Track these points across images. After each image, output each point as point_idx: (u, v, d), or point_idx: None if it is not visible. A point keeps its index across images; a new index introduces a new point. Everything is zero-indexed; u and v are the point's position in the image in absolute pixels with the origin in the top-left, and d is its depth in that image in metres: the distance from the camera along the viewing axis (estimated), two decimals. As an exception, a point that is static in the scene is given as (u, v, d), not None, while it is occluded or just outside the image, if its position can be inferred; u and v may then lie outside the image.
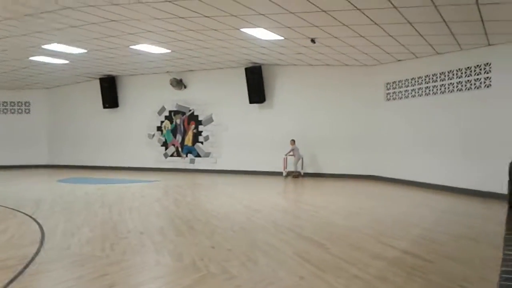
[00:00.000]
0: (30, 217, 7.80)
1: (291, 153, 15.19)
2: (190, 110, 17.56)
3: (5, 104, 19.96)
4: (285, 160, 15.32)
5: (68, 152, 19.76)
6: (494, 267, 4.35)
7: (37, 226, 6.99)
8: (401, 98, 13.49)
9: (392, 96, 13.84)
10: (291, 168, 15.25)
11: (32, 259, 5.11)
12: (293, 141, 15.19)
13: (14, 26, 9.99)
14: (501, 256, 4.50)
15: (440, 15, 8.31)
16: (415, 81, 12.95)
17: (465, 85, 11.32)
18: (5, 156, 19.49)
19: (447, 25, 9.02)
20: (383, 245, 5.89)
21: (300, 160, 15.24)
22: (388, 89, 13.99)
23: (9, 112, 20.03)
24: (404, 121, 13.32)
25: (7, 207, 8.81)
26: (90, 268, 4.79)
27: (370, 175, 14.41)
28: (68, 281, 4.41)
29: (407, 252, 5.50)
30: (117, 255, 5.35)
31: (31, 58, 13.78)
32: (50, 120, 20.32)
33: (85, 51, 12.97)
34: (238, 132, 16.52)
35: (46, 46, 12.18)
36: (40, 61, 14.31)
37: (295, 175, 15.10)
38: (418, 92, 12.86)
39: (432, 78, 12.33)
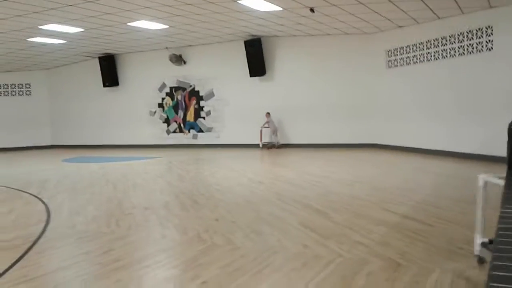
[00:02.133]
0: (36, 197, 7.88)
1: (266, 125, 15.72)
2: (190, 86, 17.49)
3: (5, 86, 19.95)
4: (261, 132, 15.80)
5: (71, 132, 19.83)
6: (494, 227, 4.37)
7: (43, 206, 7.07)
8: (402, 65, 13.37)
9: (394, 63, 13.71)
10: (266, 139, 15.87)
11: (39, 237, 5.19)
12: (268, 114, 15.70)
13: (9, 8, 9.89)
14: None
15: (440, -23, 8.16)
16: (416, 47, 12.80)
17: (467, 49, 11.19)
18: (8, 138, 19.61)
19: (447, -12, 8.86)
20: (385, 211, 5.94)
21: (276, 131, 15.78)
22: (389, 56, 13.85)
23: (10, 94, 20.03)
24: (406, 88, 13.24)
25: (12, 188, 8.91)
26: (96, 244, 4.86)
27: (372, 144, 14.42)
28: (75, 257, 4.48)
29: (408, 217, 5.54)
30: (122, 230, 5.42)
31: (29, 39, 13.69)
32: (51, 100, 20.32)
33: (82, 29, 12.85)
34: (240, 106, 16.48)
35: (43, 27, 12.08)
36: (37, 42, 14.21)
37: (270, 146, 15.83)
38: (419, 58, 12.73)
39: (434, 44, 12.18)
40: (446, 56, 11.81)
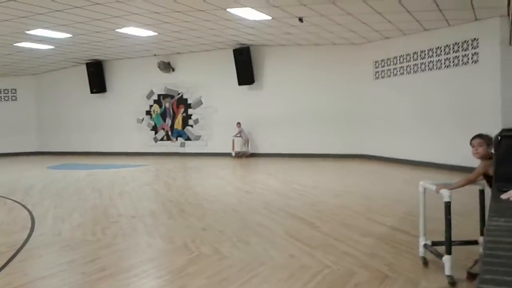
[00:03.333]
0: (20, 204, 7.77)
1: (238, 135, 15.98)
2: (179, 94, 17.45)
3: (-9, 91, 19.69)
4: (233, 142, 16.04)
5: (57, 139, 19.61)
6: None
7: (27, 213, 6.97)
8: (389, 76, 13.50)
9: (381, 74, 13.84)
10: (238, 148, 16.10)
11: (23, 245, 5.11)
12: (239, 124, 16.00)
13: (-5, 11, 9.80)
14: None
15: (427, -9, 8.28)
16: (403, 59, 12.95)
17: (453, 61, 11.35)
18: (-7, 144, 19.32)
19: (434, 0, 8.99)
20: (373, 222, 5.96)
21: (247, 141, 16.09)
22: (376, 67, 13.98)
23: (-5, 99, 19.77)
24: (393, 99, 13.36)
25: (-4, 195, 8.76)
26: (82, 252, 4.80)
27: (360, 154, 14.49)
28: (60, 265, 4.42)
29: (396, 229, 5.57)
30: (108, 239, 5.36)
31: (15, 44, 13.55)
32: (38, 106, 20.09)
33: (70, 35, 12.76)
34: (228, 115, 16.47)
35: (30, 32, 11.97)
36: (24, 47, 14.07)
37: (240, 155, 15.99)
38: (406, 69, 12.88)
39: (420, 55, 12.34)
40: (433, 68, 11.96)
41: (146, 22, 11.52)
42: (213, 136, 16.89)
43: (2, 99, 19.85)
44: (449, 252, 3.66)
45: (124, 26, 11.91)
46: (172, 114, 17.65)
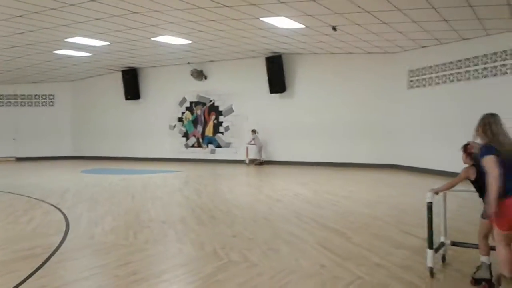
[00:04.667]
0: (55, 207, 7.97)
1: (252, 142, 16.10)
2: (210, 101, 17.61)
3: (29, 97, 20.36)
4: (247, 149, 16.11)
5: (91, 143, 20.07)
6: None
7: (62, 216, 7.13)
8: (424, 85, 13.25)
9: (415, 83, 13.60)
10: (252, 156, 16.20)
11: (58, 247, 5.23)
12: (253, 131, 16.04)
13: (38, 20, 10.14)
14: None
15: (465, -1, 8.11)
16: (439, 68, 12.69)
17: (491, 71, 11.04)
18: (30, 148, 19.95)
19: (472, 9, 8.79)
20: (405, 233, 5.83)
21: (261, 148, 16.14)
22: (411, 76, 13.75)
23: (33, 105, 20.43)
24: (427, 108, 13.08)
25: (33, 198, 9.02)
26: (114, 256, 4.87)
27: (391, 164, 14.24)
28: (93, 268, 4.49)
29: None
30: (140, 243, 5.43)
31: (55, 51, 13.99)
32: (73, 112, 20.65)
33: (108, 43, 13.09)
34: (259, 122, 16.50)
35: (69, 40, 12.34)
36: (63, 54, 14.52)
37: (257, 162, 15.99)
38: (442, 79, 12.61)
39: (457, 65, 12.06)
40: (470, 78, 11.67)
41: (181, 30, 11.70)
42: (243, 143, 16.92)
43: (40, 104, 20.49)
44: (431, 246, 4.17)
45: (159, 34, 12.14)
46: (204, 121, 17.81)
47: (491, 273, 3.82)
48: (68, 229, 6.20)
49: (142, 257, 4.87)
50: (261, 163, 16.05)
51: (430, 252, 4.16)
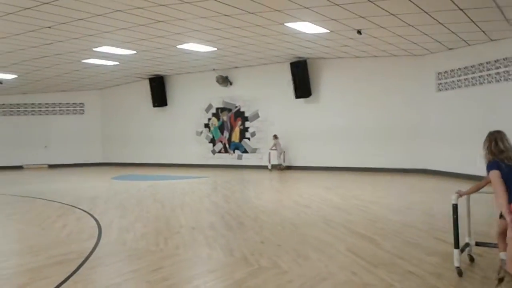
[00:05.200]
0: (88, 213, 8.15)
1: (274, 148, 16.14)
2: (236, 107, 17.71)
3: (60, 105, 20.90)
4: (270, 155, 16.17)
5: (121, 150, 20.44)
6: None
7: (94, 222, 7.29)
8: (453, 88, 13.02)
9: (444, 86, 13.37)
10: (275, 161, 16.22)
11: (91, 253, 5.34)
12: (275, 136, 16.09)
13: (67, 31, 10.41)
14: None
15: (494, 0, 7.95)
16: (468, 70, 12.45)
17: (523, 73, 10.79)
18: (62, 155, 20.47)
19: (501, 10, 8.62)
20: (437, 240, 5.73)
21: (283, 153, 16.14)
22: (439, 79, 13.53)
23: (64, 113, 20.95)
24: (458, 111, 12.83)
25: (66, 204, 9.24)
26: (146, 262, 4.95)
27: (421, 169, 14.00)
28: (125, 274, 4.58)
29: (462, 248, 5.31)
30: (170, 249, 5.50)
31: (83, 60, 14.33)
32: (103, 119, 21.10)
33: (135, 52, 13.34)
34: (285, 128, 16.50)
35: (97, 49, 12.63)
36: (91, 63, 14.85)
37: (279, 167, 16.08)
38: (471, 81, 12.37)
39: (486, 66, 11.82)
40: (500, 80, 11.42)
41: (206, 38, 11.83)
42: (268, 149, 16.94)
43: (71, 113, 21.00)
44: (456, 246, 4.35)
45: (185, 42, 12.30)
46: (230, 127, 17.92)
47: None
48: (101, 235, 6.33)
49: (172, 262, 4.93)
50: (282, 168, 16.07)
51: (456, 252, 4.35)
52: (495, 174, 3.90)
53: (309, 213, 7.86)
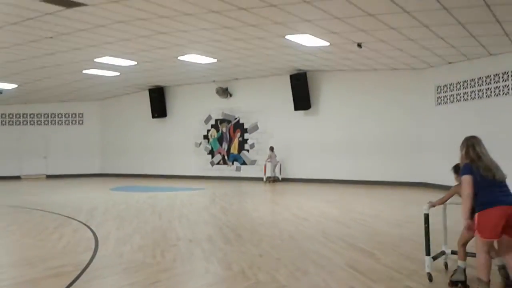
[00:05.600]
0: (84, 224, 8.08)
1: (269, 160, 16.16)
2: (235, 118, 17.71)
3: (60, 115, 20.90)
4: (265, 167, 16.21)
5: (119, 161, 20.40)
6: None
7: (91, 234, 7.23)
8: (453, 101, 13.04)
9: (443, 100, 13.40)
10: (269, 173, 16.24)
11: (87, 265, 5.28)
12: (271, 148, 16.13)
13: (69, 41, 10.45)
14: None
15: (494, 15, 7.99)
16: (467, 84, 12.48)
17: (522, 87, 10.81)
18: (60, 165, 20.41)
19: (501, 25, 8.67)
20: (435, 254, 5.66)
21: (278, 166, 16.19)
22: (438, 93, 13.55)
23: (63, 123, 20.94)
24: (457, 125, 12.81)
25: (62, 215, 9.18)
26: (143, 275, 4.89)
27: (421, 182, 13.97)
28: (122, 287, 4.52)
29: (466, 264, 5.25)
30: (168, 262, 5.44)
31: (84, 71, 14.35)
32: (102, 130, 21.08)
33: (135, 63, 13.37)
34: (284, 140, 16.49)
35: (98, 59, 12.66)
36: (92, 74, 14.88)
37: (272, 180, 16.13)
38: (471, 95, 12.39)
39: (486, 81, 11.85)
40: (499, 94, 11.44)
41: (207, 49, 11.87)
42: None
43: (70, 123, 20.99)
44: (428, 253, 4.68)
45: (185, 53, 12.34)
46: (229, 139, 17.91)
47: (465, 276, 4.37)
48: (97, 247, 6.27)
49: (170, 276, 4.88)
50: (274, 180, 16.10)
51: (428, 258, 4.66)
52: (467, 179, 4.03)
53: (308, 226, 7.81)
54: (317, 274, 4.89)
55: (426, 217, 4.75)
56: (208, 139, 18.36)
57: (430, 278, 4.52)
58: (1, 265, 5.43)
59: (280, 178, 16.22)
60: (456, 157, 13.53)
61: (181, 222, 8.34)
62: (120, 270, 5.20)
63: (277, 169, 16.25)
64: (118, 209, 10.08)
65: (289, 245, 6.37)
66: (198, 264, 5.42)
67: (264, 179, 16.24)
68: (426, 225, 4.74)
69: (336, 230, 7.37)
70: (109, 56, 12.33)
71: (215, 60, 13.38)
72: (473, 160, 4.15)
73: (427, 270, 4.58)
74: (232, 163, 17.82)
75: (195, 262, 5.51)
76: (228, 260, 5.53)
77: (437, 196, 5.81)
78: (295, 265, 5.25)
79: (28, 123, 20.65)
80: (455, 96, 12.97)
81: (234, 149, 17.82)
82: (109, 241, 6.65)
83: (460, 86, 12.72)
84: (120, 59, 12.79)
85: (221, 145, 18.09)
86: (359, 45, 10.94)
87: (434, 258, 4.80)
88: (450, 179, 14.30)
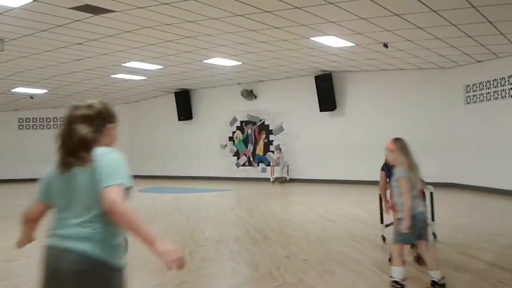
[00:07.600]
0: (115, 225, 8.23)
1: (277, 161, 16.36)
2: (260, 120, 17.77)
3: (89, 119, 21.33)
4: (273, 167, 16.38)
5: (146, 163, 20.67)
6: None
7: (121, 234, 7.36)
8: (482, 101, 12.77)
9: (473, 99, 13.14)
10: (278, 174, 16.40)
11: (118, 266, 5.39)
12: (279, 149, 16.29)
13: (97, 47, 10.70)
14: None
15: (524, 11, 7.82)
16: (497, 83, 12.22)
17: (555, 85, 10.51)
18: (90, 168, 20.81)
19: (532, 22, 8.46)
20: (467, 256, 5.59)
21: (286, 167, 16.19)
22: (467, 92, 13.30)
23: (93, 126, 21.35)
24: (487, 124, 12.56)
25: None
26: (171, 276, 4.96)
27: (449, 183, 13.71)
28: None
29: (493, 264, 5.18)
30: (196, 262, 5.52)
31: (112, 76, 14.65)
32: (130, 133, 21.41)
33: (161, 67, 13.58)
34: (309, 141, 16.44)
35: (125, 64, 12.91)
36: (120, 78, 15.18)
37: (281, 180, 16.18)
38: (501, 94, 12.12)
39: (516, 79, 11.57)
40: (531, 92, 11.17)
41: (232, 52, 11.96)
42: (293, 162, 16.88)
43: (99, 126, 21.40)
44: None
45: (211, 57, 12.47)
46: (254, 140, 17.97)
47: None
48: (127, 247, 6.38)
49: (198, 276, 4.95)
50: (283, 181, 16.17)
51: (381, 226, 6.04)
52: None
53: (334, 227, 7.79)
54: (345, 276, 4.88)
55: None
56: (234, 141, 18.47)
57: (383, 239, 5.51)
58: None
59: (287, 179, 16.28)
60: (487, 158, 13.28)
61: (208, 223, 8.43)
62: (149, 271, 5.29)
63: (284, 170, 16.39)
64: (146, 210, 10.24)
65: (316, 247, 6.37)
66: (225, 264, 5.48)
67: (271, 180, 16.39)
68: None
69: (363, 231, 7.33)
70: (136, 61, 12.56)
71: (239, 63, 13.47)
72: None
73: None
74: (258, 165, 17.87)
75: (222, 262, 5.58)
76: (256, 261, 5.57)
77: (466, 197, 5.74)
78: (323, 266, 5.25)
79: (59, 127, 21.09)
80: (484, 95, 12.70)
81: (259, 151, 17.87)
82: (138, 242, 6.76)
83: (490, 84, 12.46)
84: (146, 64, 13.01)
85: (246, 146, 18.17)
86: (385, 45, 10.84)
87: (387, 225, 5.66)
88: (480, 180, 14.01)
